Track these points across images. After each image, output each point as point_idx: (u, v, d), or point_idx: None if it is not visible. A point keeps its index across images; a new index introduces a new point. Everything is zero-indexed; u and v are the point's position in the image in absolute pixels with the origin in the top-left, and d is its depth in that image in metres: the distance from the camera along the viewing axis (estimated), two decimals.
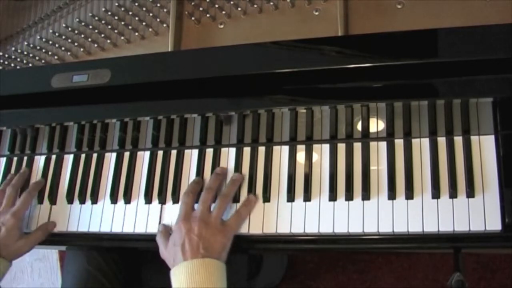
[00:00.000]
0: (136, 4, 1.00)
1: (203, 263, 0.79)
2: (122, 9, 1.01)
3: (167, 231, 0.88)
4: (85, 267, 1.04)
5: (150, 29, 0.99)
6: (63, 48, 1.03)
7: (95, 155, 1.00)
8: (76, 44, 1.03)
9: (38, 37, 1.07)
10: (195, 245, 0.80)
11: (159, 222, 0.91)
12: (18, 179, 1.00)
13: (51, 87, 0.92)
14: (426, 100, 0.82)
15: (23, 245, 0.92)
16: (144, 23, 0.99)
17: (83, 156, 1.00)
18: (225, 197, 0.86)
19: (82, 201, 0.97)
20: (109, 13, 1.01)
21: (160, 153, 0.96)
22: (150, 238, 0.90)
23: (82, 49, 1.02)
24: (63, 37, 1.04)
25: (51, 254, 1.86)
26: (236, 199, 0.88)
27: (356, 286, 1.50)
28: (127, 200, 0.94)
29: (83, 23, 1.03)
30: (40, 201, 0.99)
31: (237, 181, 0.88)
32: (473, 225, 0.77)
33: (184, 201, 0.87)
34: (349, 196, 0.83)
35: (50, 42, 1.05)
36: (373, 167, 0.85)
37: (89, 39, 1.02)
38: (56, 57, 1.04)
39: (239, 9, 0.94)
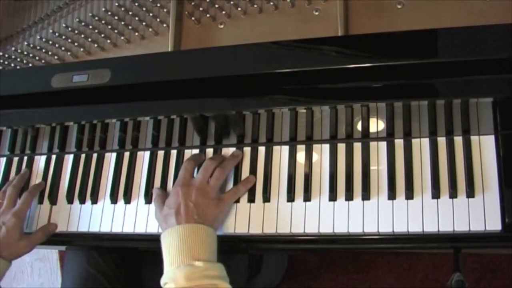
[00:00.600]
0: (136, 4, 1.00)
1: (195, 228, 0.80)
2: (122, 9, 1.01)
3: (164, 194, 0.89)
4: (85, 267, 1.04)
5: (150, 29, 0.99)
6: (63, 48, 1.03)
7: (95, 155, 1.00)
8: (76, 44, 1.03)
9: (38, 37, 1.07)
10: (190, 211, 0.82)
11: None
12: (19, 180, 1.00)
13: (51, 87, 0.92)
14: (426, 100, 0.82)
15: (23, 246, 0.92)
16: (144, 23, 0.99)
17: (83, 156, 1.00)
18: (224, 168, 0.88)
19: (82, 201, 0.97)
20: (109, 13, 1.01)
21: (160, 153, 0.96)
22: (150, 238, 0.90)
23: (82, 49, 1.02)
24: (63, 37, 1.04)
25: (51, 254, 1.86)
26: (236, 199, 0.88)
27: (356, 286, 1.50)
28: (127, 200, 0.94)
29: (83, 23, 1.03)
30: (40, 201, 0.99)
31: (238, 157, 0.90)
32: (473, 225, 0.77)
33: (185, 166, 0.88)
34: (349, 196, 0.83)
35: (50, 42, 1.05)
36: (373, 167, 0.85)
37: (89, 39, 1.02)
38: (56, 57, 1.04)
39: (239, 9, 0.94)
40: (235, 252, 1.01)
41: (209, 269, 0.77)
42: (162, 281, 0.78)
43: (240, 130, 0.91)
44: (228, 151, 0.92)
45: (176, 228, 0.80)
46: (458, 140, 0.83)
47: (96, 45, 1.02)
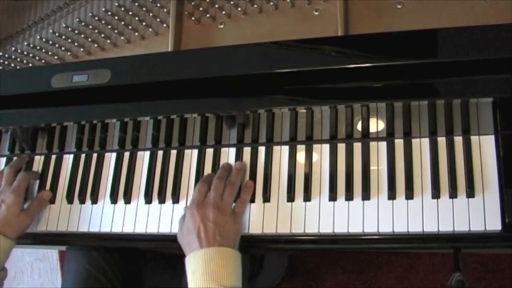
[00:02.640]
0: (136, 4, 1.00)
1: (219, 251, 0.79)
2: (122, 9, 1.01)
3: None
4: (85, 267, 1.04)
5: (150, 29, 0.99)
6: (63, 48, 1.03)
7: (95, 155, 1.00)
8: (76, 44, 1.03)
9: (38, 37, 1.07)
10: (211, 232, 0.80)
11: (159, 222, 0.91)
12: (17, 161, 1.01)
13: (51, 87, 0.92)
14: (426, 100, 0.82)
15: (23, 219, 0.93)
16: (144, 23, 0.99)
17: (83, 156, 1.00)
18: (233, 184, 0.87)
19: (82, 201, 0.97)
20: (109, 13, 1.01)
21: (160, 153, 0.96)
22: (150, 238, 0.90)
23: (82, 49, 1.02)
24: (63, 37, 1.04)
25: (51, 254, 1.86)
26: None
27: (356, 286, 1.50)
28: (127, 200, 0.94)
29: (83, 23, 1.03)
30: None
31: (242, 169, 0.89)
32: (473, 225, 0.77)
33: (198, 188, 0.86)
34: (349, 196, 0.83)
35: (50, 42, 1.05)
36: (373, 167, 0.85)
37: (89, 39, 1.02)
38: (56, 57, 1.04)
39: (239, 9, 0.94)
40: None
41: None
42: None
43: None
44: (228, 151, 0.92)
45: (200, 252, 0.79)
46: (458, 140, 0.83)
47: (96, 45, 1.02)
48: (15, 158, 1.03)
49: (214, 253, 0.78)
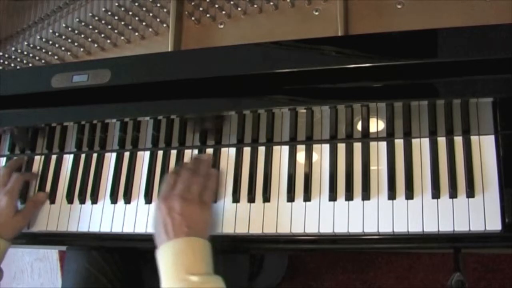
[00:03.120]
0: (136, 4, 1.00)
1: (188, 241, 0.78)
2: (122, 9, 1.01)
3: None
4: (85, 267, 1.04)
5: (150, 29, 0.99)
6: (63, 48, 1.03)
7: (95, 155, 1.00)
8: (76, 44, 1.03)
9: (38, 37, 1.07)
10: (178, 224, 0.79)
11: None
12: (13, 162, 1.01)
13: (51, 87, 0.92)
14: (426, 100, 0.82)
15: (18, 220, 0.94)
16: (144, 23, 0.99)
17: (83, 156, 1.00)
18: (201, 176, 0.87)
19: (82, 201, 0.97)
20: (109, 13, 1.01)
21: (160, 153, 0.96)
22: (150, 238, 0.90)
23: (82, 49, 1.02)
24: (63, 37, 1.04)
25: (51, 254, 1.86)
26: (236, 199, 0.89)
27: (356, 286, 1.50)
28: (127, 200, 0.94)
29: (83, 23, 1.03)
30: None
31: (209, 160, 0.91)
32: (473, 225, 0.77)
33: (166, 181, 0.87)
34: (349, 196, 0.83)
35: (50, 42, 1.05)
36: (373, 167, 0.85)
37: (89, 39, 1.02)
38: (56, 57, 1.04)
39: (239, 9, 0.94)
40: (235, 252, 1.01)
41: (205, 283, 0.75)
42: None
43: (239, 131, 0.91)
44: (228, 151, 0.92)
45: (168, 244, 0.78)
46: (458, 140, 0.83)
47: (96, 45, 1.02)
48: (14, 158, 1.03)
49: (182, 244, 0.78)
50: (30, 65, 1.06)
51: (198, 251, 0.78)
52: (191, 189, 0.84)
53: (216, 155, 0.93)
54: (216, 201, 0.89)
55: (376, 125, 0.86)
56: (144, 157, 0.97)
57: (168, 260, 0.77)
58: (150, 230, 0.91)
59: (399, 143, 0.85)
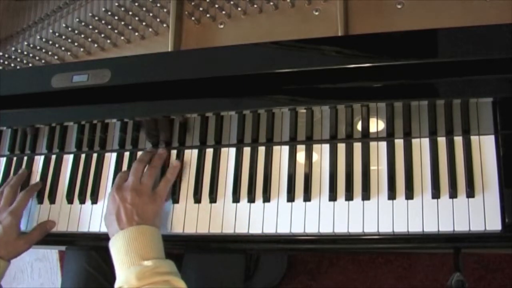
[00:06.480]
0: (136, 4, 1.00)
1: (138, 229, 0.82)
2: (122, 9, 1.01)
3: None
4: (84, 267, 1.04)
5: (150, 29, 0.99)
6: (63, 48, 1.03)
7: (95, 155, 1.00)
8: (76, 44, 1.03)
9: (38, 37, 1.07)
10: (129, 213, 0.84)
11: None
12: (16, 180, 1.00)
13: (51, 87, 0.92)
14: (426, 100, 0.82)
15: (21, 244, 0.93)
16: (144, 23, 0.99)
17: (83, 156, 1.00)
18: (153, 167, 0.91)
19: (82, 201, 0.97)
20: (109, 13, 1.01)
21: None
22: None
23: (82, 49, 1.02)
24: (63, 37, 1.04)
25: (51, 254, 1.86)
26: (236, 199, 0.89)
27: (356, 286, 1.50)
28: None
29: (83, 23, 1.03)
30: (40, 201, 1.00)
31: (163, 155, 0.93)
32: (473, 225, 0.77)
33: (119, 174, 0.91)
34: (349, 196, 0.83)
35: (50, 42, 1.05)
36: (373, 167, 0.85)
37: (89, 39, 1.02)
38: (56, 57, 1.04)
39: (239, 9, 0.94)
40: (233, 252, 1.01)
41: (159, 267, 0.78)
42: (116, 286, 0.79)
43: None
44: (228, 151, 0.92)
45: (121, 233, 0.82)
46: (458, 140, 0.83)
47: (96, 45, 1.02)
48: (17, 174, 1.01)
49: (134, 232, 0.82)
50: (30, 65, 1.06)
51: (149, 238, 0.82)
52: (142, 181, 0.88)
53: (216, 155, 0.93)
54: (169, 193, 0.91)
55: (376, 125, 0.86)
56: None
57: (121, 248, 0.81)
58: None
59: (399, 143, 0.85)
